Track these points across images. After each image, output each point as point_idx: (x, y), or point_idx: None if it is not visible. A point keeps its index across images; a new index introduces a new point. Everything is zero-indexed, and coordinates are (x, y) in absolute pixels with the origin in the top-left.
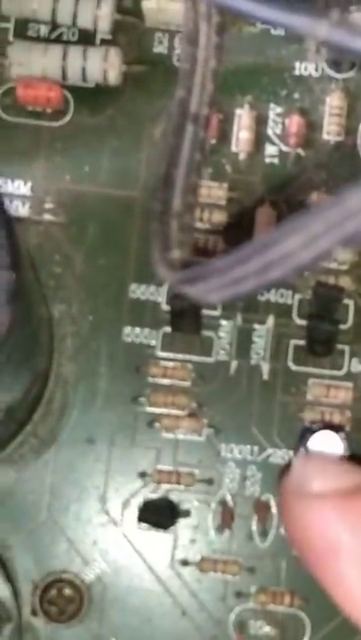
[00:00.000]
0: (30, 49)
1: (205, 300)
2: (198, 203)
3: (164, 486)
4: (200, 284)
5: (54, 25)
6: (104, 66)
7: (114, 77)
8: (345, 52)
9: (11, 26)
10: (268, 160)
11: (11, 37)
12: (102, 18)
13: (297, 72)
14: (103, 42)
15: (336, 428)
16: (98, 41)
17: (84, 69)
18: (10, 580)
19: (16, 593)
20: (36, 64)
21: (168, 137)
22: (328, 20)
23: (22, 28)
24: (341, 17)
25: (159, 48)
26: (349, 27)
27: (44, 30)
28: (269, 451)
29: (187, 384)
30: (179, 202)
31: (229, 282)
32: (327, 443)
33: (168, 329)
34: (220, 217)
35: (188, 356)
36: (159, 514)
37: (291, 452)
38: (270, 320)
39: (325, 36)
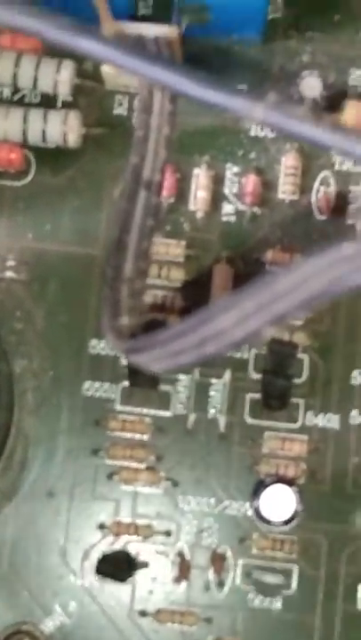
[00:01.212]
0: None
1: (150, 369)
2: (152, 264)
3: (123, 538)
4: (144, 354)
5: (16, 88)
6: (64, 129)
7: (73, 140)
8: (282, 133)
9: None
10: (225, 218)
11: None
12: (62, 82)
13: (253, 133)
14: (65, 104)
15: (289, 482)
16: (59, 103)
17: (44, 132)
18: None
19: None
20: None
21: (121, 202)
22: (265, 102)
23: None
24: (277, 99)
25: (119, 110)
26: (285, 109)
27: (6, 92)
28: (226, 502)
29: (145, 437)
30: (130, 267)
31: (170, 354)
32: (280, 496)
33: (127, 383)
34: (177, 274)
35: (146, 410)
36: (116, 566)
37: (247, 504)
38: (227, 374)
39: (262, 118)
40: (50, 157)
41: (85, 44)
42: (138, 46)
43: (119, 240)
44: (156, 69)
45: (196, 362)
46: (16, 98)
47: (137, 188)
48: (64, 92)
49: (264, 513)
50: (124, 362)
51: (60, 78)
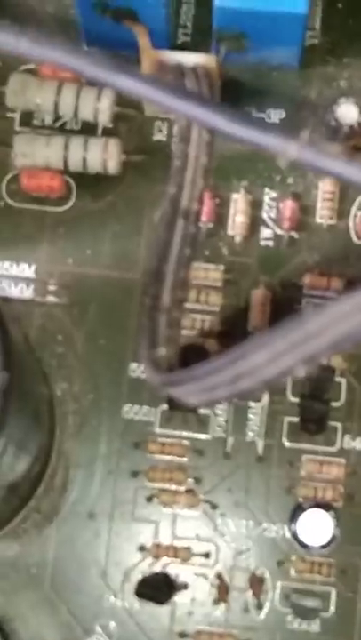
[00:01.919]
0: (34, 140)
1: (185, 402)
2: (190, 289)
3: (163, 560)
4: (179, 387)
5: (58, 115)
6: (104, 156)
7: (113, 167)
8: (315, 171)
9: (17, 116)
10: (263, 243)
11: (17, 127)
12: (102, 111)
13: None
14: (105, 131)
15: (326, 506)
16: (100, 130)
17: (84, 159)
18: None
19: None
20: (39, 154)
21: (159, 232)
22: (298, 140)
23: (28, 118)
24: (311, 136)
25: (158, 136)
26: (317, 147)
27: (48, 120)
28: (264, 525)
29: (184, 460)
30: (168, 297)
31: (205, 389)
32: (317, 521)
33: (166, 406)
34: (216, 298)
35: (185, 433)
36: (156, 589)
37: (285, 527)
38: (265, 398)
39: (295, 156)
40: (90, 183)
41: (123, 82)
42: (176, 79)
43: (157, 269)
44: (192, 107)
45: (230, 397)
46: (57, 125)
47: (175, 218)
48: (104, 120)
49: (302, 537)
50: (161, 391)
51: (101, 106)
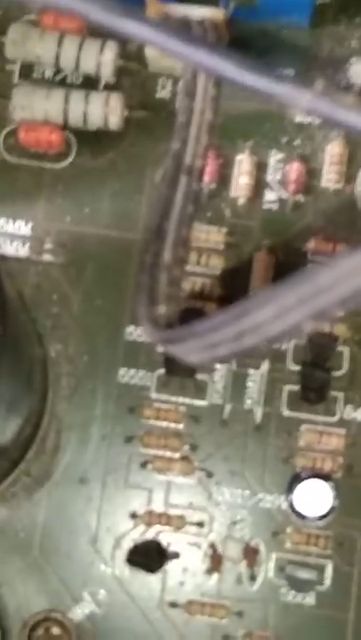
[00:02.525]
0: (33, 93)
1: (186, 360)
2: (191, 251)
3: (155, 528)
4: (180, 345)
5: (59, 68)
6: (105, 111)
7: (115, 122)
8: (329, 122)
9: (16, 68)
10: (267, 206)
11: (16, 79)
12: (105, 64)
13: (298, 119)
14: (107, 86)
15: (325, 477)
16: (101, 85)
17: (85, 114)
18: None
19: (5, 630)
20: (38, 108)
21: (161, 188)
22: (312, 90)
23: (27, 70)
24: (325, 87)
25: (162, 93)
26: (332, 98)
27: (48, 73)
28: (260, 495)
29: (180, 426)
30: (169, 254)
31: (207, 346)
32: (315, 491)
33: (163, 371)
34: (217, 261)
35: (182, 399)
36: (148, 557)
37: (281, 498)
38: (265, 365)
39: (309, 107)
40: (91, 140)
41: (130, 27)
42: (183, 29)
43: (158, 227)
44: (200, 53)
45: (233, 355)
46: (58, 78)
47: (178, 174)
48: (107, 74)
49: (299, 508)
50: (160, 349)
51: (103, 59)
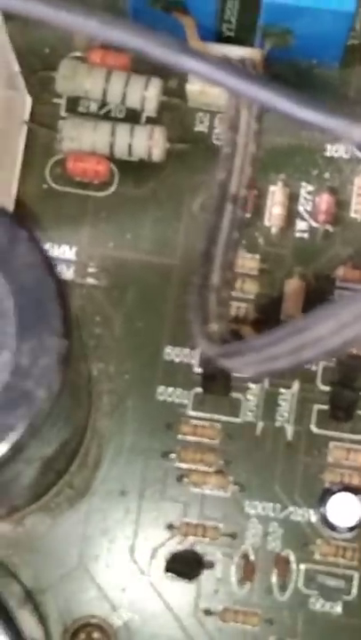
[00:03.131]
0: (81, 125)
1: (241, 374)
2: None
3: (190, 538)
4: (237, 358)
5: (104, 102)
6: (149, 143)
7: (157, 155)
8: None
9: (63, 102)
10: (298, 235)
11: (63, 112)
12: (149, 99)
13: (328, 153)
14: (148, 120)
15: (355, 490)
16: (143, 119)
17: (130, 146)
18: (42, 622)
19: (47, 636)
20: (85, 139)
21: (209, 216)
22: None
23: (73, 104)
24: None
25: (200, 127)
26: None
27: (93, 107)
28: (291, 509)
29: (215, 442)
30: (217, 277)
31: (265, 359)
32: (346, 504)
33: (199, 390)
34: (251, 287)
35: (217, 416)
36: (186, 565)
37: (310, 511)
38: (296, 385)
39: (359, 140)
40: (133, 170)
41: (191, 64)
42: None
43: (207, 251)
44: (256, 88)
45: (291, 368)
46: (102, 112)
47: (224, 202)
48: (150, 108)
49: (330, 519)
50: (197, 369)
51: (148, 95)
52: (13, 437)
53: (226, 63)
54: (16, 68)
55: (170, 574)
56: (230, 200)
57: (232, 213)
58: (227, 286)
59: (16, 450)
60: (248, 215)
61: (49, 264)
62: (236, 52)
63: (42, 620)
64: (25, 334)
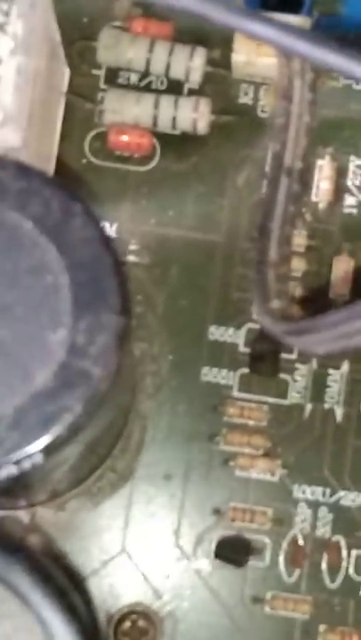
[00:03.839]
0: (124, 97)
1: (311, 352)
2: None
3: (237, 524)
4: (309, 335)
5: (144, 74)
6: (194, 115)
7: (202, 127)
8: None
9: (102, 73)
10: (346, 210)
11: (102, 84)
12: (195, 69)
13: None
14: (191, 91)
15: None
16: (185, 90)
17: (174, 118)
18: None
19: (94, 621)
20: (128, 112)
21: (263, 189)
22: None
23: (113, 76)
24: None
25: (245, 99)
26: None
27: (133, 78)
28: (341, 493)
29: (262, 424)
30: (275, 252)
31: (340, 336)
32: None
33: (245, 370)
34: (298, 264)
35: (264, 398)
36: (235, 551)
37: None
38: (345, 365)
39: None
40: (175, 144)
41: (256, 27)
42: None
43: (263, 226)
44: (327, 53)
45: None
46: (143, 84)
47: (279, 175)
48: (195, 79)
49: None
50: (243, 349)
51: (193, 65)
52: (70, 418)
53: (291, 27)
54: (58, 37)
55: (217, 561)
56: (285, 173)
57: (288, 187)
58: (285, 262)
59: (73, 431)
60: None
61: (105, 239)
62: (283, 19)
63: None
64: (81, 311)
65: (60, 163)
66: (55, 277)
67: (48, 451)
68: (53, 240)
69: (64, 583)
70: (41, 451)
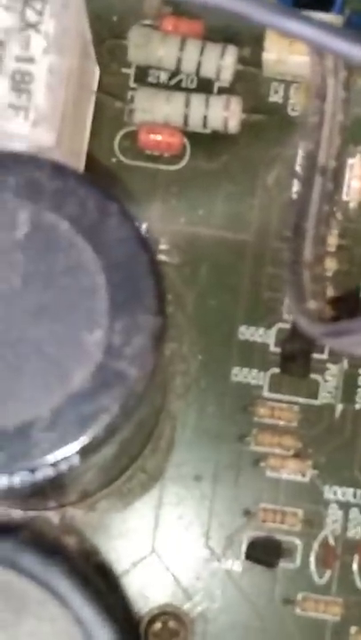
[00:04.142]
0: (154, 96)
1: (350, 354)
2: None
3: (268, 525)
4: (347, 337)
5: (174, 72)
6: (225, 114)
7: (233, 126)
8: None
9: (132, 72)
10: None
11: (132, 83)
12: (226, 68)
13: None
14: (221, 90)
15: None
16: (216, 89)
17: (205, 117)
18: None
19: (128, 621)
20: (158, 111)
21: (298, 188)
22: None
23: (143, 75)
24: None
25: (275, 97)
26: None
27: (163, 77)
28: None
29: (293, 425)
30: (310, 252)
31: None
32: None
33: (276, 370)
34: (330, 263)
35: (294, 398)
36: (266, 552)
37: None
38: None
39: None
40: (205, 142)
41: (294, 26)
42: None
43: (297, 226)
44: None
45: None
46: (173, 82)
47: (313, 175)
48: (226, 78)
49: None
50: (273, 349)
51: (224, 63)
52: (106, 419)
53: (327, 25)
54: (89, 36)
55: (249, 562)
56: (319, 172)
57: (322, 186)
58: (320, 262)
59: (109, 432)
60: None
61: (141, 239)
62: (314, 17)
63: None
64: (117, 312)
65: (91, 161)
66: (91, 278)
67: (85, 452)
68: (89, 240)
69: (100, 584)
70: (77, 452)
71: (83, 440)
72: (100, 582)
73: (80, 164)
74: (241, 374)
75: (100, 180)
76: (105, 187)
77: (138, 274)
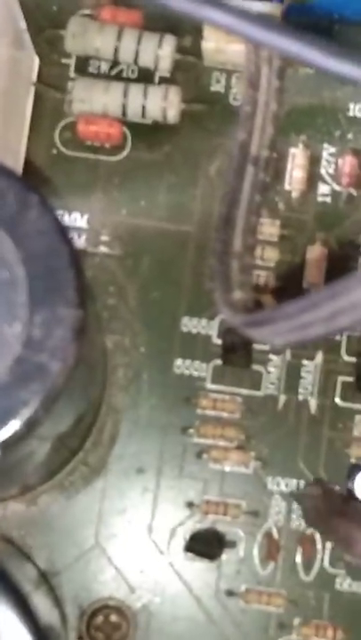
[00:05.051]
0: (92, 86)
1: (270, 344)
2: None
3: (211, 517)
4: (266, 327)
5: (114, 62)
6: (164, 104)
7: (173, 116)
8: None
9: (72, 62)
10: (320, 199)
11: (72, 73)
12: (164, 57)
13: (351, 113)
14: (162, 80)
15: None
16: (157, 79)
17: (143, 107)
18: (58, 605)
19: (63, 618)
20: (97, 101)
21: (229, 178)
22: None
23: (83, 65)
24: None
25: (216, 87)
26: None
27: (104, 67)
28: None
29: (235, 417)
30: (239, 242)
31: (297, 327)
32: None
33: (219, 362)
34: (272, 254)
35: (237, 390)
36: (207, 544)
37: (337, 487)
38: (319, 356)
39: None
40: (146, 133)
41: (215, 15)
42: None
43: (227, 215)
44: (287, 41)
45: (324, 335)
46: (113, 72)
47: (245, 164)
48: (164, 68)
49: (359, 495)
50: (216, 340)
51: (162, 53)
52: (27, 413)
53: (251, 15)
54: (23, 25)
55: (190, 554)
56: (251, 162)
57: (253, 176)
58: (249, 253)
59: (30, 426)
60: (267, 179)
61: (62, 231)
62: (255, 6)
63: (57, 602)
64: (37, 305)
65: (30, 154)
66: (11, 270)
67: (6, 446)
68: (9, 232)
69: (23, 584)
70: None
71: (2, 434)
72: (23, 582)
73: (19, 157)
74: (183, 366)
75: (38, 173)
76: (27, 179)
77: (58, 266)
